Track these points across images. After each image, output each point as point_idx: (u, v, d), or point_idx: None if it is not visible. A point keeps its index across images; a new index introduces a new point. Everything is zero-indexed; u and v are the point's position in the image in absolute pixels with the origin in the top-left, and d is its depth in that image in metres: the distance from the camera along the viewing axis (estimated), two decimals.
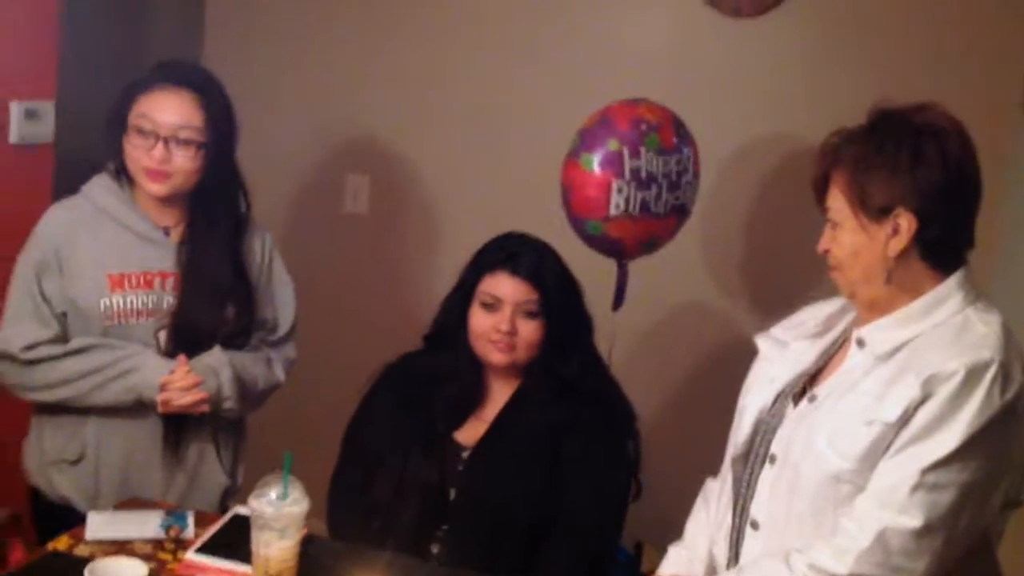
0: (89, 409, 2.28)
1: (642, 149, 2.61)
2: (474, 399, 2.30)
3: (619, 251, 2.72)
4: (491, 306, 2.22)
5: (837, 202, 1.77)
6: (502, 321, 2.20)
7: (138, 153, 2.22)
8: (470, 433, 2.27)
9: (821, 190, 1.81)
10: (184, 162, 2.24)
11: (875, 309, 1.78)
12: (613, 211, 2.62)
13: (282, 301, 2.48)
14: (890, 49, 3.09)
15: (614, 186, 2.60)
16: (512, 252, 2.24)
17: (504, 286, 2.22)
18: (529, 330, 2.22)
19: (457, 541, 2.20)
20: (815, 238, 1.84)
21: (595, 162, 2.61)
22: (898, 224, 1.71)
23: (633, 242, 2.69)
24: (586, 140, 2.63)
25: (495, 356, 2.23)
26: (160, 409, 2.25)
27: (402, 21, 3.51)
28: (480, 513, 2.19)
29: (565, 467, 2.20)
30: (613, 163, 2.60)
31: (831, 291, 1.91)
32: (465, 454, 2.24)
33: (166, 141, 2.21)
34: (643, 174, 2.62)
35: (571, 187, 2.65)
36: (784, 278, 3.23)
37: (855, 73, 3.11)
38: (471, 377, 2.29)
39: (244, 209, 2.42)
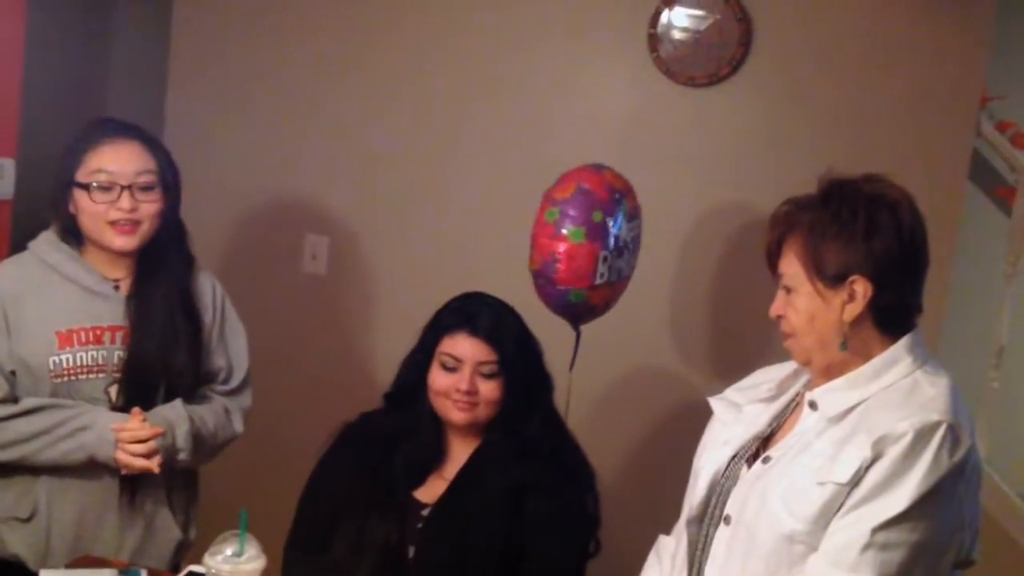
0: (40, 467, 2.25)
1: (620, 218, 2.67)
2: (435, 457, 2.30)
3: (587, 316, 2.76)
4: (451, 367, 2.24)
5: (792, 268, 1.81)
6: (461, 381, 2.22)
7: (102, 208, 2.22)
8: (430, 491, 2.26)
9: (774, 256, 1.85)
10: (149, 207, 2.26)
11: (829, 374, 1.81)
12: (598, 280, 2.66)
13: (236, 349, 2.47)
14: (842, 118, 3.17)
15: (600, 256, 2.64)
16: (471, 313, 2.26)
17: (463, 346, 2.24)
18: (489, 389, 2.24)
19: None
20: (767, 302, 1.88)
21: (583, 234, 2.62)
22: (854, 290, 1.75)
23: (603, 307, 2.74)
24: (570, 212, 2.64)
25: (456, 415, 2.24)
26: (117, 463, 2.22)
27: (360, 86, 3.54)
28: (439, 571, 2.19)
29: (527, 525, 2.21)
30: (599, 234, 2.64)
31: (782, 353, 1.94)
32: (425, 511, 2.23)
33: (130, 190, 2.22)
34: (620, 242, 2.68)
35: (559, 259, 2.64)
36: (737, 340, 3.28)
37: (807, 142, 3.17)
38: (432, 435, 2.29)
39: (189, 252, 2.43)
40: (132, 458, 2.21)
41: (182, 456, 2.31)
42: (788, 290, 1.82)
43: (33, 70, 2.85)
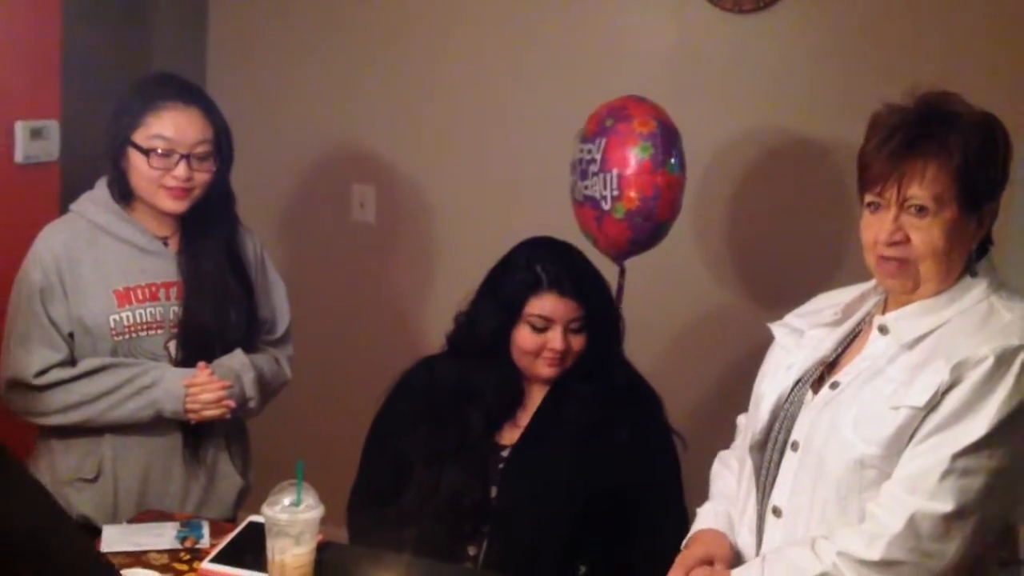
0: (104, 426, 2.27)
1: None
2: (512, 405, 2.29)
3: (640, 251, 2.74)
4: (541, 327, 2.22)
5: (932, 191, 1.67)
6: (555, 340, 2.20)
7: (157, 174, 2.23)
8: (507, 434, 2.27)
9: (886, 178, 1.71)
10: (203, 176, 2.27)
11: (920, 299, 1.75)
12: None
13: (278, 300, 2.52)
14: (892, 42, 3.07)
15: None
16: (552, 272, 2.22)
17: (552, 306, 2.21)
18: (578, 343, 2.24)
19: (501, 539, 2.19)
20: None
21: (678, 166, 2.63)
22: (984, 218, 1.71)
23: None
24: (661, 145, 2.61)
25: (546, 371, 2.24)
26: (192, 419, 2.27)
27: (402, 30, 3.52)
28: (523, 510, 2.19)
29: (615, 459, 2.20)
30: (681, 165, 2.66)
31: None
32: (504, 452, 2.24)
33: (188, 159, 2.23)
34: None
35: (662, 194, 2.61)
36: (787, 269, 3.22)
37: (856, 67, 3.10)
38: (510, 387, 2.29)
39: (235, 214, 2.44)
40: (203, 407, 2.25)
41: (252, 404, 2.36)
42: (923, 212, 1.68)
43: (73, 31, 2.86)
